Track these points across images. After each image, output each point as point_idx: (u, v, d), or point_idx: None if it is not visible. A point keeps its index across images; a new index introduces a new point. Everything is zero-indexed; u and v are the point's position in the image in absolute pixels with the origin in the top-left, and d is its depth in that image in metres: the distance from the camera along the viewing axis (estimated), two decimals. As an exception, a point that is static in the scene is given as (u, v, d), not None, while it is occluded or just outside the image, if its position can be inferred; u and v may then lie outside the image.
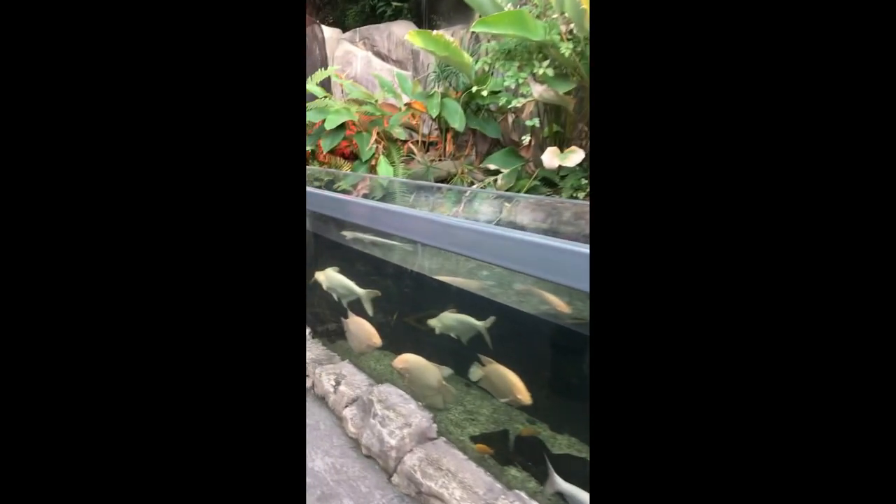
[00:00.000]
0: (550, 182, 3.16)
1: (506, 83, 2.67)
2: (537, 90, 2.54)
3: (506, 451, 1.89)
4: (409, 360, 2.02)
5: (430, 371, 1.98)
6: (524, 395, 1.67)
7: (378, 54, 5.48)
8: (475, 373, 1.84)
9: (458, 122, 3.27)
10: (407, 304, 2.56)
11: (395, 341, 2.43)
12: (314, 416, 2.05)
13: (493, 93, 3.25)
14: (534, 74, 2.63)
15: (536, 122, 2.79)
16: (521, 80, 2.56)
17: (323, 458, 1.80)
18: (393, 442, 1.73)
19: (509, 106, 2.75)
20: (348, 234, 2.59)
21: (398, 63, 5.34)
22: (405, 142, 3.77)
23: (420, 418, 1.82)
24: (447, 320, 2.12)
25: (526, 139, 2.88)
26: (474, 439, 1.91)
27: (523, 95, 2.63)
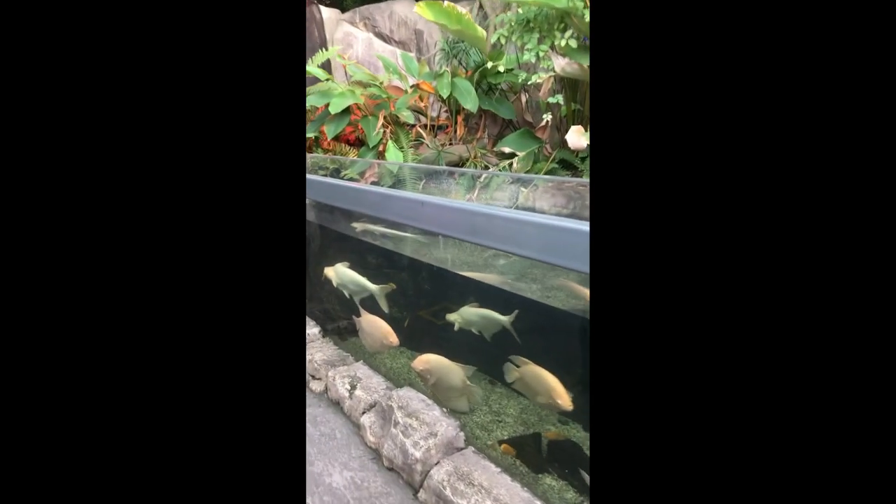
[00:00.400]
0: (569, 164, 2.97)
1: (525, 57, 2.46)
2: (559, 64, 2.33)
3: (538, 458, 1.73)
4: (430, 360, 1.84)
5: (453, 371, 1.81)
6: (564, 400, 1.49)
7: (380, 35, 5.26)
8: (510, 374, 1.67)
9: (470, 102, 3.06)
10: (423, 299, 2.39)
11: (411, 338, 2.27)
12: (329, 424, 1.89)
13: (508, 70, 3.04)
14: (554, 46, 2.41)
15: (560, 98, 2.58)
16: (542, 53, 2.35)
17: (342, 473, 1.64)
18: (418, 454, 1.57)
19: (529, 82, 2.54)
20: (358, 226, 2.41)
21: (401, 44, 5.11)
22: (413, 126, 3.56)
23: (446, 426, 1.66)
24: (468, 315, 1.97)
25: (546, 118, 2.67)
26: (502, 444, 1.75)
27: (543, 70, 2.42)
